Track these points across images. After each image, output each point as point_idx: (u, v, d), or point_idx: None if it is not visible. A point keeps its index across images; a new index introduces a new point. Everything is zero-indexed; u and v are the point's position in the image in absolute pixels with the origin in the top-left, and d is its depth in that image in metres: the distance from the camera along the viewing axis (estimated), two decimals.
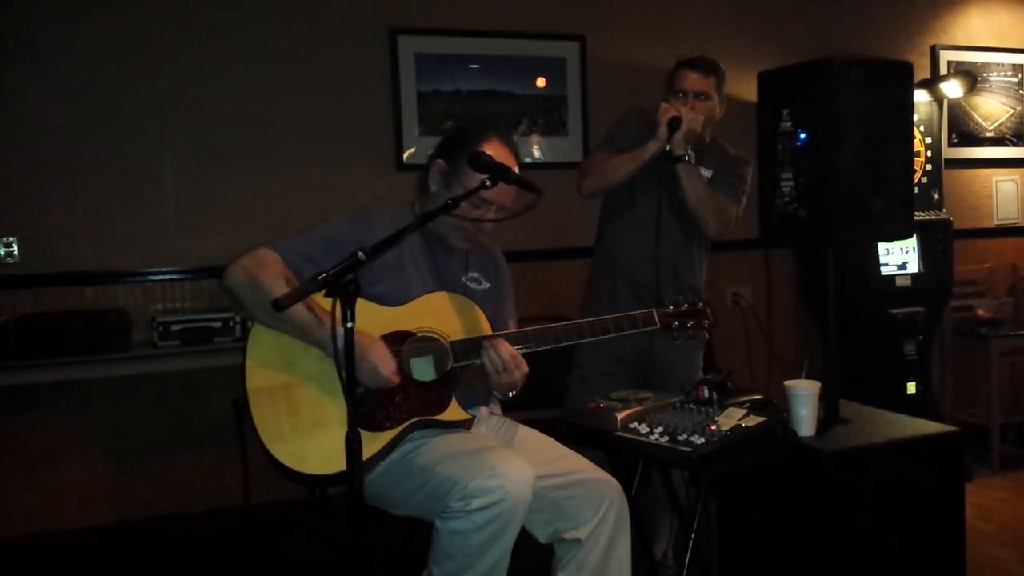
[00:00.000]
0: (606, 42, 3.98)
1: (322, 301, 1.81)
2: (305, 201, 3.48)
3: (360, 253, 1.62)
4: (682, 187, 2.70)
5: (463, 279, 2.22)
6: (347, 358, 1.61)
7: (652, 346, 2.76)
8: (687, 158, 2.67)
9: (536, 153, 3.92)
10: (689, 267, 2.85)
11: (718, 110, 2.81)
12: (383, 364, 1.93)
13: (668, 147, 2.65)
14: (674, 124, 2.62)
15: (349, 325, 1.60)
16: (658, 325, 2.25)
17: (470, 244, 2.21)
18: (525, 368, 2.04)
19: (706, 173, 2.79)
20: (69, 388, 3.30)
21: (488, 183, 1.95)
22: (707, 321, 2.29)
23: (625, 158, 2.72)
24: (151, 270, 3.43)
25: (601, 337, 2.20)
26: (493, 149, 2.08)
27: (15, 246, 3.28)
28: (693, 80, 2.74)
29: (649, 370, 2.82)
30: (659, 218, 2.78)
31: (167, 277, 3.45)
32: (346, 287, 1.59)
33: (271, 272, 1.97)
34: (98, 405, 3.38)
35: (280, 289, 1.89)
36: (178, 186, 3.45)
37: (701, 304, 2.29)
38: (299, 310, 1.83)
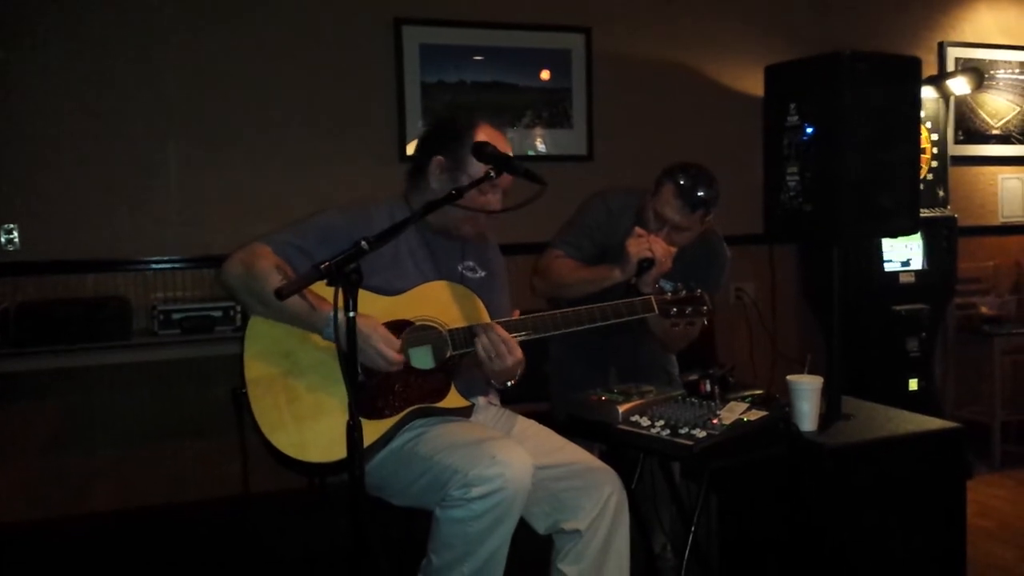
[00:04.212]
0: (612, 34, 3.96)
1: (322, 290, 1.80)
2: (307, 191, 3.47)
3: (363, 243, 1.62)
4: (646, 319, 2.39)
5: (459, 268, 2.21)
6: (349, 347, 1.61)
7: (611, 341, 2.61)
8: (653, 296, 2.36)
9: (540, 146, 3.90)
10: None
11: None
12: (387, 345, 1.92)
13: (634, 281, 2.37)
14: (645, 264, 2.34)
15: (352, 314, 1.59)
16: (656, 311, 2.24)
17: (474, 232, 2.21)
18: (519, 354, 2.01)
19: (667, 287, 2.41)
20: (69, 375, 3.29)
21: (493, 174, 1.95)
22: (705, 307, 2.28)
23: (585, 278, 2.49)
24: (152, 258, 3.42)
25: (600, 324, 2.19)
26: (487, 135, 2.08)
27: (16, 233, 3.27)
28: (677, 210, 2.44)
29: (623, 363, 2.72)
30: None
31: (168, 266, 3.44)
32: (348, 276, 1.58)
33: (264, 264, 1.97)
34: (98, 393, 3.37)
35: (274, 279, 1.90)
36: (180, 175, 3.44)
37: (700, 291, 2.28)
38: (293, 298, 1.83)
